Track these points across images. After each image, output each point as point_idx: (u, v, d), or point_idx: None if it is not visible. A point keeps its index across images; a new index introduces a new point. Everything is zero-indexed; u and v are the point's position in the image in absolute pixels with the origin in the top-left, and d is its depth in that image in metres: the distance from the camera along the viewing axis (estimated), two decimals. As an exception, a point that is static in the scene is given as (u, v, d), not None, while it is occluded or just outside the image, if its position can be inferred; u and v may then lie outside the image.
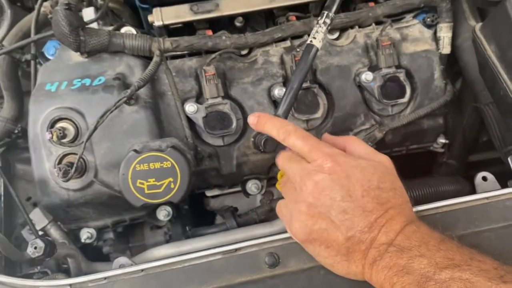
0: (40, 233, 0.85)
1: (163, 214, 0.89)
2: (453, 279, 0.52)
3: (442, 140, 0.95)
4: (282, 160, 0.70)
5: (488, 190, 0.76)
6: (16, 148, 1.02)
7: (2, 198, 0.98)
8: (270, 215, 0.92)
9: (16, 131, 0.94)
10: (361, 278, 0.61)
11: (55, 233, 0.87)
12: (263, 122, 0.71)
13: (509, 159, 0.83)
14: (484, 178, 0.79)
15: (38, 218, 0.89)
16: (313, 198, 0.61)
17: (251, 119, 0.72)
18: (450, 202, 0.70)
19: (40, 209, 0.90)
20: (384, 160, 0.66)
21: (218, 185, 0.93)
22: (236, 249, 0.69)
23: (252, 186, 0.93)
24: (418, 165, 1.08)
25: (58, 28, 0.76)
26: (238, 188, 0.97)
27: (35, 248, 0.68)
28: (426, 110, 0.87)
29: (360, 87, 0.88)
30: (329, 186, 0.60)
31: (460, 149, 1.02)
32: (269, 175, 0.91)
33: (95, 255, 0.90)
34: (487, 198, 0.71)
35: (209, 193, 0.99)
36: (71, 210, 0.82)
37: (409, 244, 0.57)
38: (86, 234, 0.88)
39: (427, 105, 0.88)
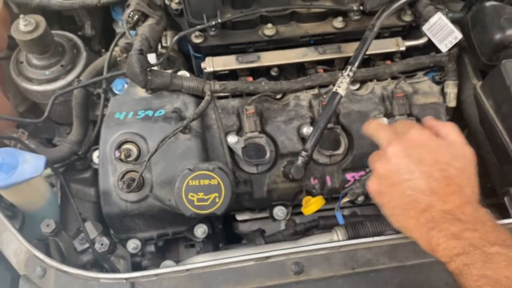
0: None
1: (200, 231, 1.03)
2: (499, 254, 0.57)
3: (448, 181, 1.07)
4: (373, 127, 0.79)
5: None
6: (73, 169, 1.18)
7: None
8: (293, 238, 1.04)
9: (80, 153, 1.11)
10: (410, 235, 0.68)
11: (103, 243, 1.00)
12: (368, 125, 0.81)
13: (505, 198, 0.95)
14: (483, 213, 0.91)
15: (89, 230, 1.03)
16: (391, 159, 0.70)
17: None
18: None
19: (92, 222, 1.05)
20: (467, 150, 0.71)
21: (249, 208, 1.07)
22: (267, 257, 0.82)
23: (279, 211, 1.06)
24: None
25: (131, 68, 0.94)
26: (265, 214, 1.10)
27: (102, 244, 0.81)
28: (433, 153, 1.01)
29: (377, 130, 1.03)
30: (405, 150, 0.70)
31: (465, 192, 1.14)
32: (294, 202, 1.05)
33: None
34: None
35: (239, 217, 1.12)
36: (125, 220, 0.95)
37: (465, 218, 0.62)
38: (132, 245, 1.00)
39: (434, 149, 1.02)
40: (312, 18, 1.08)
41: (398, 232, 0.91)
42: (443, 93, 1.08)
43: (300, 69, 1.15)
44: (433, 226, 0.64)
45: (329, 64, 1.11)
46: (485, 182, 1.17)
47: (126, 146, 0.93)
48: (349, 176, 1.02)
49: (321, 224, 1.02)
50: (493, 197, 1.18)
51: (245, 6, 1.05)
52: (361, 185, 0.98)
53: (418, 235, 0.67)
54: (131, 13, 1.02)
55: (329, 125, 0.99)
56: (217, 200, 0.84)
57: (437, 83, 1.09)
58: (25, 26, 1.02)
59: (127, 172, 0.92)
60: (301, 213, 1.01)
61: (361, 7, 1.04)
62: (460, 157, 0.70)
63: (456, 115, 1.09)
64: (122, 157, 0.89)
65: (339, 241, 0.90)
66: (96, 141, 1.06)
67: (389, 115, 1.03)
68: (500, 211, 1.01)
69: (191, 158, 0.93)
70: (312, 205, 0.96)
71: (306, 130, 1.00)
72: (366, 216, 1.09)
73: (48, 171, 1.08)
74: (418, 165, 0.68)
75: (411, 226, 0.68)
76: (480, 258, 0.58)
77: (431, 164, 0.68)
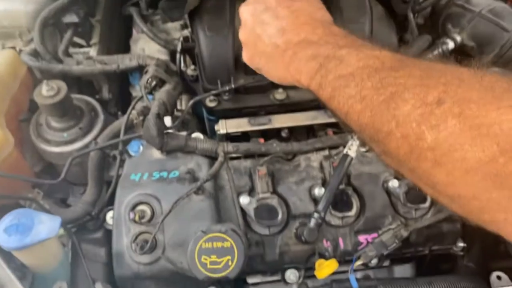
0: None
1: (210, 294, 1.01)
2: (350, 53, 0.58)
3: (461, 244, 1.07)
4: None
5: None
6: (84, 229, 1.18)
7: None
8: (306, 302, 1.02)
9: (93, 213, 1.11)
10: (287, 82, 0.69)
11: (113, 306, 0.98)
12: None
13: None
14: (499, 277, 0.90)
15: (99, 292, 1.02)
16: (245, 22, 0.75)
17: None
18: (468, 294, 0.81)
19: (102, 284, 1.04)
20: None
21: (260, 271, 1.05)
22: (280, 323, 0.80)
23: (291, 275, 1.04)
24: (441, 267, 1.18)
25: (148, 132, 0.97)
26: (277, 277, 1.09)
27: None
28: (444, 215, 1.01)
29: (388, 192, 1.04)
30: (251, 7, 0.74)
31: (479, 254, 1.13)
32: (307, 265, 1.03)
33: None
34: (500, 292, 0.81)
35: (250, 279, 1.11)
36: (136, 283, 0.94)
37: (317, 38, 0.64)
38: (142, 308, 0.99)
39: (445, 211, 1.02)
40: (321, 83, 1.13)
41: None
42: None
43: (310, 131, 1.17)
44: (294, 59, 0.65)
45: (338, 127, 1.15)
46: (498, 245, 1.16)
47: (140, 207, 0.94)
48: (361, 238, 1.01)
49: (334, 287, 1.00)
50: (509, 259, 1.17)
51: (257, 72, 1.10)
52: (374, 247, 0.98)
53: (288, 76, 0.67)
54: (149, 79, 1.07)
55: (341, 187, 1.00)
56: (230, 263, 0.84)
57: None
58: (48, 91, 1.07)
59: (140, 233, 0.93)
60: (313, 276, 1.00)
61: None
62: None
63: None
64: (136, 218, 0.90)
65: (353, 306, 0.88)
66: (109, 202, 1.07)
67: (399, 177, 1.04)
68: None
69: (204, 219, 0.93)
70: (325, 268, 0.95)
71: (318, 191, 1.01)
72: (379, 280, 1.08)
73: (61, 231, 1.08)
74: (264, 14, 0.71)
75: (282, 71, 0.68)
76: (335, 64, 0.58)
77: (275, 7, 0.71)
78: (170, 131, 1.03)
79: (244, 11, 0.76)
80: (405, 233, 0.99)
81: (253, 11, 0.74)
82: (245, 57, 0.78)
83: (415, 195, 1.03)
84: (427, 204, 1.03)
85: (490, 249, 1.15)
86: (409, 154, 0.47)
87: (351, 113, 0.55)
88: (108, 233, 1.07)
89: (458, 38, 1.19)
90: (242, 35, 0.76)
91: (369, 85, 0.52)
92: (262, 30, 0.71)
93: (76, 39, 1.32)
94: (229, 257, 0.84)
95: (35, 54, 1.22)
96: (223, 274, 0.83)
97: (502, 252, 1.15)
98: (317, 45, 0.63)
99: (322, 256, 1.01)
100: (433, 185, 0.47)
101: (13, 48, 1.24)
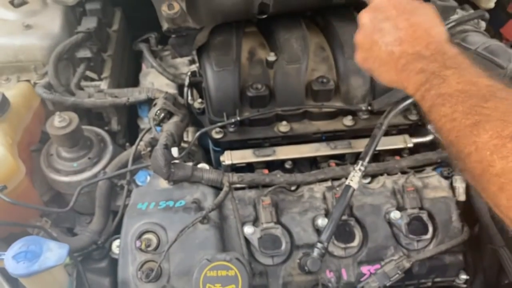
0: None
1: (214, 325, 1.01)
2: (453, 74, 0.66)
3: (463, 276, 1.07)
4: None
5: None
6: (90, 258, 1.19)
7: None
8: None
9: (99, 242, 1.13)
10: (396, 85, 0.77)
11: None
12: None
13: (524, 294, 0.94)
14: (502, 310, 0.90)
15: (103, 322, 1.03)
16: (363, 27, 0.81)
17: None
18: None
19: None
20: (426, 3, 0.81)
21: (264, 302, 1.06)
22: None
23: (294, 305, 1.05)
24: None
25: (156, 162, 1.00)
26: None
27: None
28: (446, 246, 1.02)
29: (390, 223, 1.05)
30: (372, 14, 0.80)
31: (482, 287, 1.13)
32: (310, 297, 1.04)
33: None
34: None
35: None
36: (141, 312, 0.95)
37: (429, 53, 0.71)
38: (145, 338, 0.99)
39: (447, 242, 1.03)
40: (324, 117, 1.17)
41: None
42: (452, 187, 1.11)
43: (313, 162, 1.20)
44: (406, 68, 0.72)
45: (340, 159, 1.18)
46: (501, 278, 1.16)
47: (146, 235, 0.96)
48: (364, 269, 1.02)
49: (338, 319, 1.00)
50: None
51: (262, 105, 1.14)
52: (377, 278, 0.99)
53: (398, 81, 0.75)
54: (158, 112, 1.11)
55: (343, 217, 1.02)
56: (234, 291, 0.85)
57: (446, 177, 1.13)
58: (60, 122, 1.11)
59: (146, 261, 0.94)
60: (317, 307, 1.00)
61: (369, 107, 1.13)
62: (421, 7, 0.79)
63: (467, 209, 1.12)
64: (143, 246, 0.92)
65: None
66: (115, 231, 1.09)
67: (401, 208, 1.06)
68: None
69: (209, 248, 0.95)
70: (328, 299, 0.95)
71: (321, 221, 1.02)
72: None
73: (67, 260, 1.10)
74: (384, 22, 0.78)
75: (394, 76, 0.76)
76: (438, 82, 0.67)
77: (396, 16, 0.77)
78: (177, 161, 1.06)
79: (364, 17, 0.82)
80: (407, 264, 1.00)
81: (373, 18, 0.80)
82: (358, 58, 0.85)
83: (417, 226, 1.04)
84: (428, 235, 1.04)
85: (493, 282, 1.15)
86: (481, 176, 0.57)
87: (442, 129, 0.65)
88: (113, 263, 1.08)
89: (456, 74, 1.23)
90: (359, 38, 0.83)
91: (461, 109, 0.62)
92: (379, 37, 0.78)
93: (88, 73, 1.37)
94: (233, 286, 0.85)
95: (48, 87, 1.27)
96: (227, 302, 0.84)
97: (506, 286, 1.15)
98: (427, 61, 0.71)
99: (325, 287, 1.02)
100: (498, 206, 0.56)
101: (28, 81, 1.29)
